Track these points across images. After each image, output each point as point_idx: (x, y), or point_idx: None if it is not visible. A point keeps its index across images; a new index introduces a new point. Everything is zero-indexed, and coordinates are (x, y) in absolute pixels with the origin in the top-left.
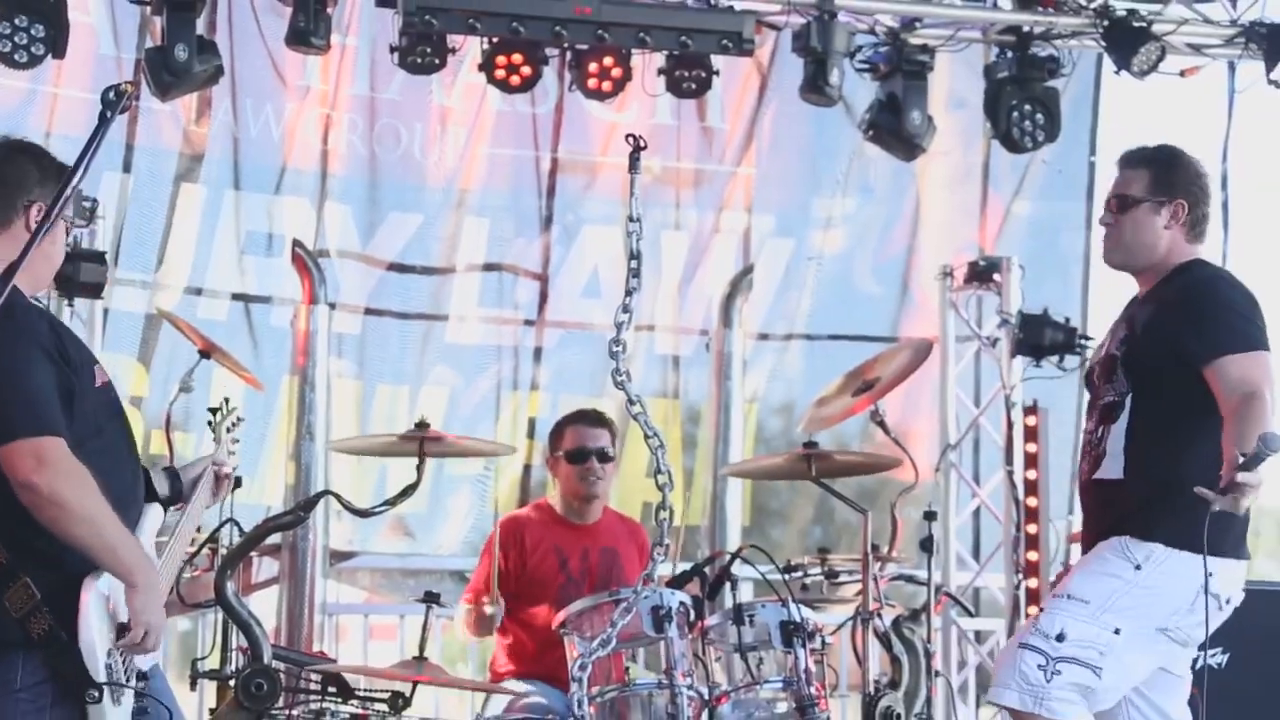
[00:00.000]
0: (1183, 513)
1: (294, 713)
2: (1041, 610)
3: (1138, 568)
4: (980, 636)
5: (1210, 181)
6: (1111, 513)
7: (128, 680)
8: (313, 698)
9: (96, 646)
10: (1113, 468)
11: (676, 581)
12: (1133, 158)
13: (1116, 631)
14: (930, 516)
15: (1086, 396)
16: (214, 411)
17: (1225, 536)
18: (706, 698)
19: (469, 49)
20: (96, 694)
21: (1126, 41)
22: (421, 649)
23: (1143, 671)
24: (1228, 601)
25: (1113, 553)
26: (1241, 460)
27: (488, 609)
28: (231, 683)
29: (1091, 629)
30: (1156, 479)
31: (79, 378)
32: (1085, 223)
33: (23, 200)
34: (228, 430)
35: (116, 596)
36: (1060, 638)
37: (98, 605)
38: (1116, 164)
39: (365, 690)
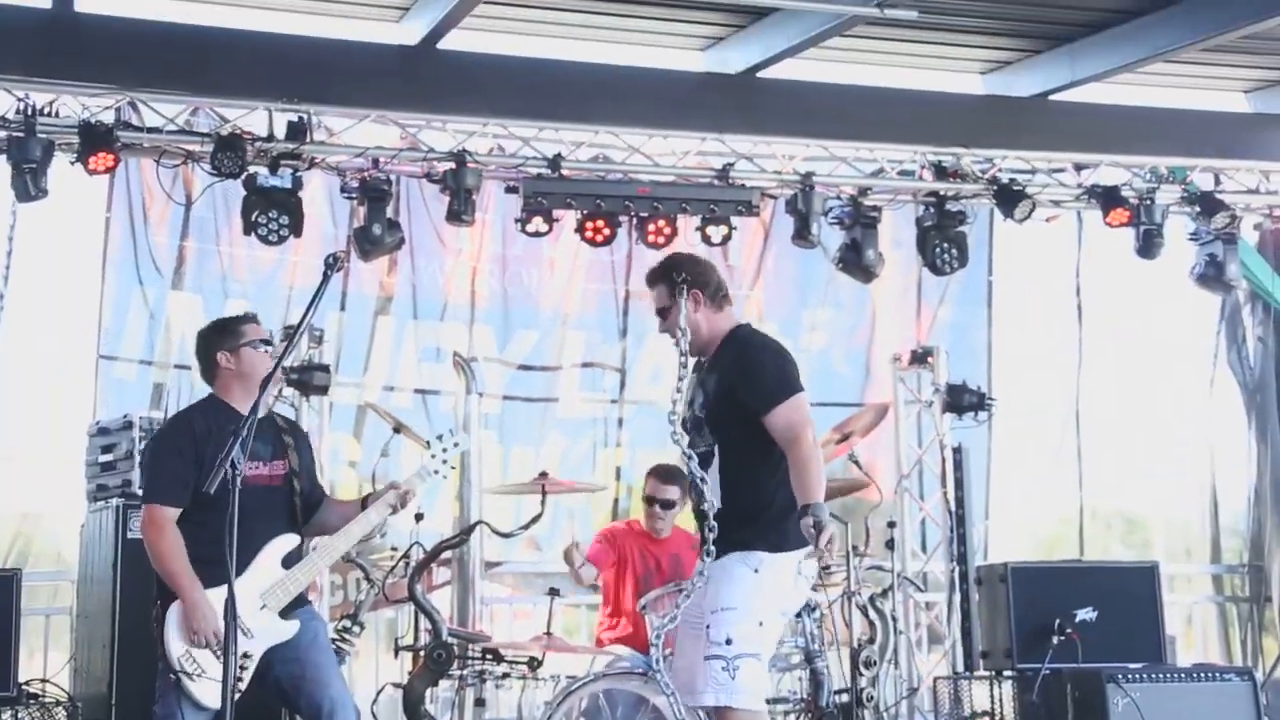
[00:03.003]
0: (773, 526)
1: (464, 673)
2: (707, 626)
3: (756, 571)
4: (929, 605)
5: (707, 260)
6: (717, 533)
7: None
8: (476, 662)
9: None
10: (714, 499)
11: None
12: (649, 279)
13: (760, 624)
14: (891, 525)
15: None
16: (440, 439)
17: (798, 533)
18: None
19: (568, 219)
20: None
21: (1010, 199)
22: (549, 626)
23: (774, 642)
24: (809, 575)
25: (734, 564)
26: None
27: (580, 566)
28: (421, 653)
29: (745, 627)
30: (749, 505)
31: (201, 472)
32: (986, 322)
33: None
34: (442, 455)
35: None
36: (729, 642)
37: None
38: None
39: (512, 656)
